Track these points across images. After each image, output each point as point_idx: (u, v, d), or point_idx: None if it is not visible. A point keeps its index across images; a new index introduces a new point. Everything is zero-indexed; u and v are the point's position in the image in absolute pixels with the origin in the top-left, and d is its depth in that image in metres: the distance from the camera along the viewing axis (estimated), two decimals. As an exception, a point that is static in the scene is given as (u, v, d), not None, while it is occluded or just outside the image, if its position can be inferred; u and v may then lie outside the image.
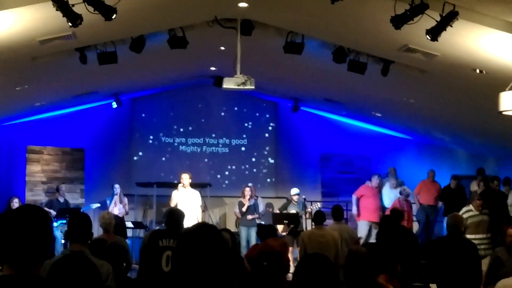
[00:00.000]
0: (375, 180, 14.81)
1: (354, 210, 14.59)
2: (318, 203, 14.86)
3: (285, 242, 8.14)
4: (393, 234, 8.55)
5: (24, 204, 3.01)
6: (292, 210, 14.10)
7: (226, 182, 18.08)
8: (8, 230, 2.66)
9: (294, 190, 14.53)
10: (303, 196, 14.52)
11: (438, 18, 6.99)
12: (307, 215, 14.28)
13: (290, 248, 13.57)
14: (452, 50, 8.60)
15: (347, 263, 4.91)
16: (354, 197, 14.70)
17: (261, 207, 15.16)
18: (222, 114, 18.30)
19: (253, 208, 14.67)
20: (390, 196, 15.33)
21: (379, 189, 15.11)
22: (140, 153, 17.95)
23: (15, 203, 13.91)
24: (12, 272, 2.64)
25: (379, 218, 13.58)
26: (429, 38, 7.23)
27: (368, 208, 14.40)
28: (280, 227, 13.74)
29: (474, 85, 10.34)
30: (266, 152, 18.43)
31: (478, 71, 9.34)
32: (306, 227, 14.17)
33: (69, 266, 3.09)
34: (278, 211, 14.79)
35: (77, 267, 3.09)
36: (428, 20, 7.01)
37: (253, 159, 18.35)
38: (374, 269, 5.14)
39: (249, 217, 14.50)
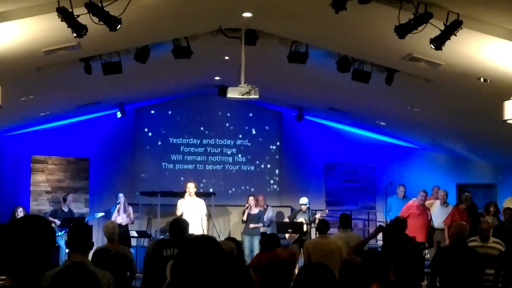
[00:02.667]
0: (420, 196, 14.00)
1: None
2: (326, 211, 14.85)
3: (294, 252, 8.13)
4: (394, 242, 8.52)
5: (27, 215, 3.03)
6: (301, 219, 14.10)
7: (231, 191, 18.07)
8: (11, 241, 2.65)
9: (303, 200, 14.53)
10: (307, 205, 14.49)
11: (442, 27, 7.00)
12: (315, 224, 14.28)
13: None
14: (456, 59, 8.60)
15: (342, 272, 4.90)
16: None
17: (270, 215, 15.20)
18: (227, 123, 18.29)
19: (257, 217, 14.69)
20: (441, 215, 13.88)
21: (425, 206, 14.23)
22: (145, 162, 17.94)
23: (20, 213, 13.94)
24: (14, 282, 2.64)
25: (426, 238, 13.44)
26: (433, 47, 7.23)
27: (414, 227, 12.59)
28: (287, 235, 13.78)
29: (478, 94, 10.33)
30: (270, 161, 18.41)
31: (482, 79, 9.34)
32: (316, 235, 14.16)
33: (70, 277, 3.09)
34: (287, 220, 14.79)
35: (78, 278, 3.09)
36: (432, 29, 7.01)
37: (258, 168, 18.33)
38: (367, 278, 5.14)
39: (251, 226, 14.53)
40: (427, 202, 14.36)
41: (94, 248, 6.62)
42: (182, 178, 16.94)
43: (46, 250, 2.71)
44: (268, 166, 18.41)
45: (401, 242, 8.58)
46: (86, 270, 3.08)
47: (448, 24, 6.95)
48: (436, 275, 7.84)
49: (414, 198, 14.38)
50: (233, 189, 18.10)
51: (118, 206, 15.10)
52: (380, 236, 9.18)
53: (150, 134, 18.00)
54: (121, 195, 15.22)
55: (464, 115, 12.52)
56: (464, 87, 10.15)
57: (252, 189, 17.69)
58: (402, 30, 7.17)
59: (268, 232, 14.23)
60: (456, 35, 6.99)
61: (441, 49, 7.25)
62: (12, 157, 16.69)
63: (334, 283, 3.44)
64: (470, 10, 6.99)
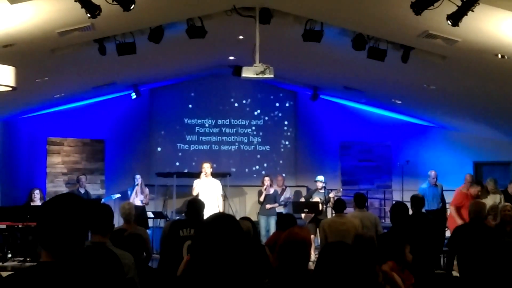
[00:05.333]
0: (474, 190, 12.57)
1: (459, 221, 11.56)
2: (341, 189, 14.80)
3: (308, 230, 8.14)
4: (408, 221, 8.49)
5: (64, 193, 3.06)
6: (316, 198, 14.08)
7: (246, 171, 18.07)
8: (48, 218, 2.72)
9: (320, 177, 14.50)
10: (323, 184, 14.45)
11: (459, 3, 6.90)
12: (331, 203, 14.26)
13: (312, 236, 13.60)
14: (473, 35, 8.50)
15: (354, 247, 4.88)
16: (452, 209, 12.60)
17: (288, 196, 15.22)
18: (241, 103, 18.25)
19: (272, 198, 14.70)
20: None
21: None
22: (160, 143, 17.97)
23: (36, 195, 14.03)
24: (51, 259, 2.70)
25: None
26: (450, 23, 7.14)
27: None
28: (302, 215, 13.78)
29: (496, 71, 10.23)
30: (285, 141, 18.38)
31: (499, 56, 9.23)
32: (331, 215, 14.16)
33: (91, 257, 3.09)
34: (303, 199, 14.78)
35: (99, 258, 3.09)
36: (449, 5, 6.92)
37: (273, 148, 18.30)
38: (379, 255, 5.12)
39: (268, 206, 14.55)
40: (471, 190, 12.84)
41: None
42: (197, 159, 16.94)
43: (82, 227, 2.77)
44: (284, 146, 18.38)
45: (418, 220, 8.56)
46: (107, 250, 3.10)
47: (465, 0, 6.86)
48: (454, 254, 7.80)
49: (463, 185, 13.22)
50: (249, 169, 18.09)
51: (136, 187, 15.17)
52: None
53: (164, 115, 17.99)
54: (138, 176, 15.30)
55: (481, 92, 12.41)
56: (481, 64, 10.05)
57: (268, 170, 17.69)
58: (418, 7, 7.08)
59: (284, 212, 14.24)
60: (473, 11, 6.90)
61: (458, 26, 7.16)
62: (28, 139, 16.79)
63: (356, 261, 3.41)
64: (487, -15, 6.90)
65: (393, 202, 15.81)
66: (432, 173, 14.46)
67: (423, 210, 13.67)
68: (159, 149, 17.95)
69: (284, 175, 16.67)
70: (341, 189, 14.97)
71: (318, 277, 3.45)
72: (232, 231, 2.99)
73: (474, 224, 7.65)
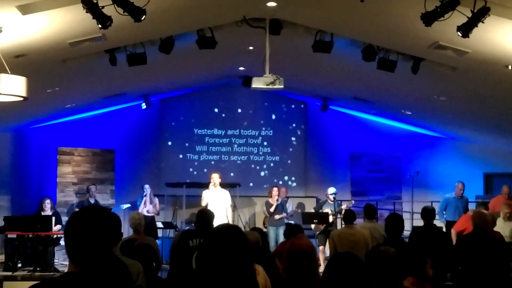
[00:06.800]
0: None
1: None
2: (352, 201, 14.76)
3: (306, 238, 8.18)
4: (423, 233, 8.46)
5: (91, 205, 3.12)
6: (327, 209, 14.06)
7: (255, 182, 18.06)
8: (77, 230, 2.76)
9: (331, 190, 14.49)
10: (335, 196, 14.42)
11: (469, 14, 6.90)
12: (342, 214, 14.22)
13: (321, 248, 13.58)
14: (484, 47, 8.50)
15: (375, 263, 4.85)
16: (453, 232, 11.12)
17: (290, 208, 15.14)
18: (251, 114, 18.27)
19: (280, 208, 14.67)
20: (504, 231, 10.39)
21: None
22: (170, 153, 17.99)
23: (47, 204, 14.05)
24: (77, 270, 2.74)
25: None
26: (460, 34, 7.14)
27: None
28: (312, 226, 13.76)
29: (506, 82, 10.20)
30: (295, 152, 18.37)
31: (510, 67, 9.21)
32: (341, 226, 14.13)
33: (101, 266, 3.11)
34: (313, 210, 14.75)
35: (108, 267, 3.09)
36: (459, 16, 6.92)
37: (282, 159, 18.30)
38: (401, 271, 5.04)
39: (277, 216, 14.51)
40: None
41: (121, 238, 6.65)
42: (206, 170, 16.96)
43: (110, 240, 2.81)
44: (293, 156, 18.37)
45: (427, 231, 8.53)
46: (116, 259, 3.10)
47: (475, 11, 6.85)
48: (458, 265, 7.74)
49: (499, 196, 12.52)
50: (258, 180, 18.08)
51: (144, 197, 15.19)
52: (407, 226, 9.07)
53: (174, 125, 18.03)
54: (147, 186, 15.30)
55: (491, 103, 12.38)
56: (492, 75, 10.04)
57: (277, 180, 17.68)
58: (429, 18, 7.08)
59: (293, 223, 14.21)
60: (483, 22, 6.89)
61: (468, 37, 7.15)
62: (38, 149, 16.86)
63: (364, 273, 3.40)
64: (497, -4, 6.90)
65: (403, 213, 15.82)
66: (460, 184, 14.03)
67: (443, 220, 13.69)
68: (168, 159, 17.97)
69: (286, 186, 16.62)
70: (353, 201, 14.92)
71: (325, 287, 3.44)
72: (237, 242, 3.00)
73: (477, 234, 7.57)
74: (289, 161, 18.34)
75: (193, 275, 3.19)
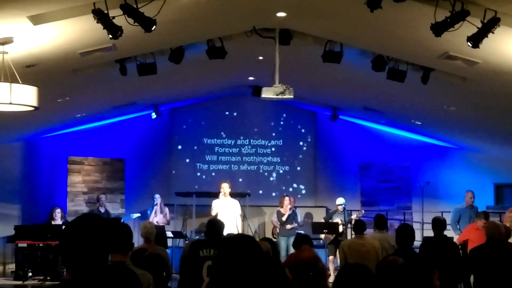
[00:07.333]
0: (480, 222, 10.87)
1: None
2: (362, 211, 14.71)
3: (309, 248, 8.19)
4: (434, 244, 8.42)
5: (84, 214, 3.14)
6: (337, 219, 14.03)
7: (265, 191, 18.05)
8: (69, 238, 2.78)
9: (340, 200, 14.48)
10: (344, 206, 14.39)
11: (479, 25, 6.90)
12: (352, 224, 14.17)
13: (331, 257, 13.55)
14: (494, 57, 8.48)
15: (382, 273, 4.82)
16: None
17: (299, 218, 15.11)
18: (261, 124, 18.28)
19: (292, 218, 14.63)
20: None
21: None
22: (179, 163, 18.02)
23: (57, 213, 14.11)
24: (71, 277, 2.76)
25: None
26: (470, 45, 7.14)
27: None
28: (322, 236, 13.72)
29: (517, 92, 10.19)
30: (305, 162, 18.36)
31: (520, 77, 9.20)
32: (351, 236, 14.09)
33: (111, 276, 3.11)
34: (323, 220, 14.72)
35: (119, 277, 3.11)
36: (469, 27, 6.92)
37: (292, 169, 18.30)
38: (408, 282, 5.01)
39: (288, 226, 14.44)
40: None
41: (131, 248, 6.65)
42: (215, 179, 16.96)
43: (101, 248, 2.80)
44: (303, 166, 18.36)
45: (440, 243, 8.48)
46: (127, 270, 3.11)
47: (485, 21, 6.86)
48: (470, 275, 7.71)
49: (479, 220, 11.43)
50: (268, 190, 18.08)
51: (155, 207, 15.20)
52: (417, 237, 9.00)
53: (184, 134, 18.07)
54: (157, 196, 15.32)
55: (502, 113, 12.34)
56: (502, 86, 10.01)
57: (287, 190, 17.66)
58: (439, 28, 7.08)
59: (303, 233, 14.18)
60: (493, 33, 6.90)
61: (478, 47, 7.15)
62: (49, 158, 16.92)
63: (374, 284, 3.39)
64: (507, 7, 6.88)
65: (413, 223, 15.74)
66: (469, 193, 13.59)
67: (458, 233, 13.41)
68: (178, 168, 18.00)
69: (294, 196, 16.55)
70: (363, 211, 14.88)
71: None
72: (252, 252, 2.99)
73: (491, 245, 7.54)
74: (298, 171, 18.33)
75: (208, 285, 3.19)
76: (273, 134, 18.30)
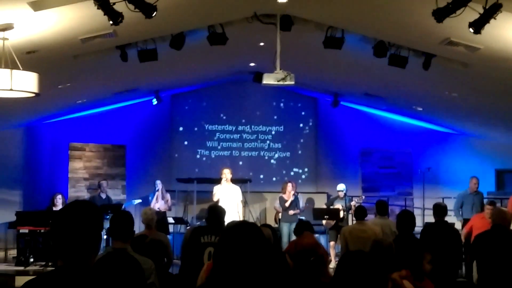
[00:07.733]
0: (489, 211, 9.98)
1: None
2: (363, 197, 14.71)
3: (310, 234, 8.22)
4: (435, 229, 8.44)
5: (75, 200, 3.14)
6: (338, 205, 14.05)
7: (266, 177, 18.07)
8: (61, 225, 2.80)
9: (340, 186, 14.48)
10: (344, 192, 14.40)
11: (481, 11, 6.87)
12: (352, 210, 14.18)
13: (332, 243, 13.58)
14: (496, 43, 8.46)
15: (371, 253, 4.83)
16: (463, 233, 10.55)
17: (301, 203, 15.11)
18: (262, 110, 18.27)
19: (294, 204, 14.63)
20: None
21: None
22: (181, 149, 18.03)
23: (59, 200, 14.13)
24: (63, 264, 2.78)
25: None
26: (472, 31, 7.11)
27: None
28: (323, 222, 13.74)
29: (518, 78, 10.17)
30: (306, 148, 18.37)
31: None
32: (352, 222, 14.10)
33: (112, 263, 3.12)
34: (324, 206, 14.74)
35: (120, 264, 3.11)
36: (471, 12, 6.89)
37: (293, 155, 18.31)
38: (395, 263, 5.01)
39: (291, 212, 14.42)
40: None
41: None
42: (217, 165, 16.97)
43: (94, 233, 2.83)
44: (304, 152, 18.37)
45: (439, 228, 8.50)
46: (128, 256, 3.11)
47: (487, 7, 6.82)
48: (473, 261, 7.73)
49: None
50: (269, 176, 18.10)
51: (156, 193, 15.22)
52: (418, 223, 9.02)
53: (185, 121, 18.07)
54: (158, 182, 15.33)
55: (503, 99, 12.33)
56: (503, 71, 9.99)
57: (288, 176, 17.68)
58: (440, 14, 7.05)
59: (304, 219, 14.20)
60: (495, 19, 6.86)
61: (480, 33, 7.12)
62: (50, 144, 16.93)
63: (376, 271, 3.39)
64: (510, -8, 6.86)
65: (414, 209, 15.77)
66: (474, 179, 13.60)
67: (460, 219, 13.40)
68: (179, 154, 18.01)
69: (296, 182, 16.56)
70: (363, 197, 14.88)
71: (336, 286, 3.44)
72: (255, 239, 2.99)
73: (496, 231, 7.55)
74: (299, 157, 18.34)
75: (210, 273, 3.19)
76: (274, 121, 18.29)
